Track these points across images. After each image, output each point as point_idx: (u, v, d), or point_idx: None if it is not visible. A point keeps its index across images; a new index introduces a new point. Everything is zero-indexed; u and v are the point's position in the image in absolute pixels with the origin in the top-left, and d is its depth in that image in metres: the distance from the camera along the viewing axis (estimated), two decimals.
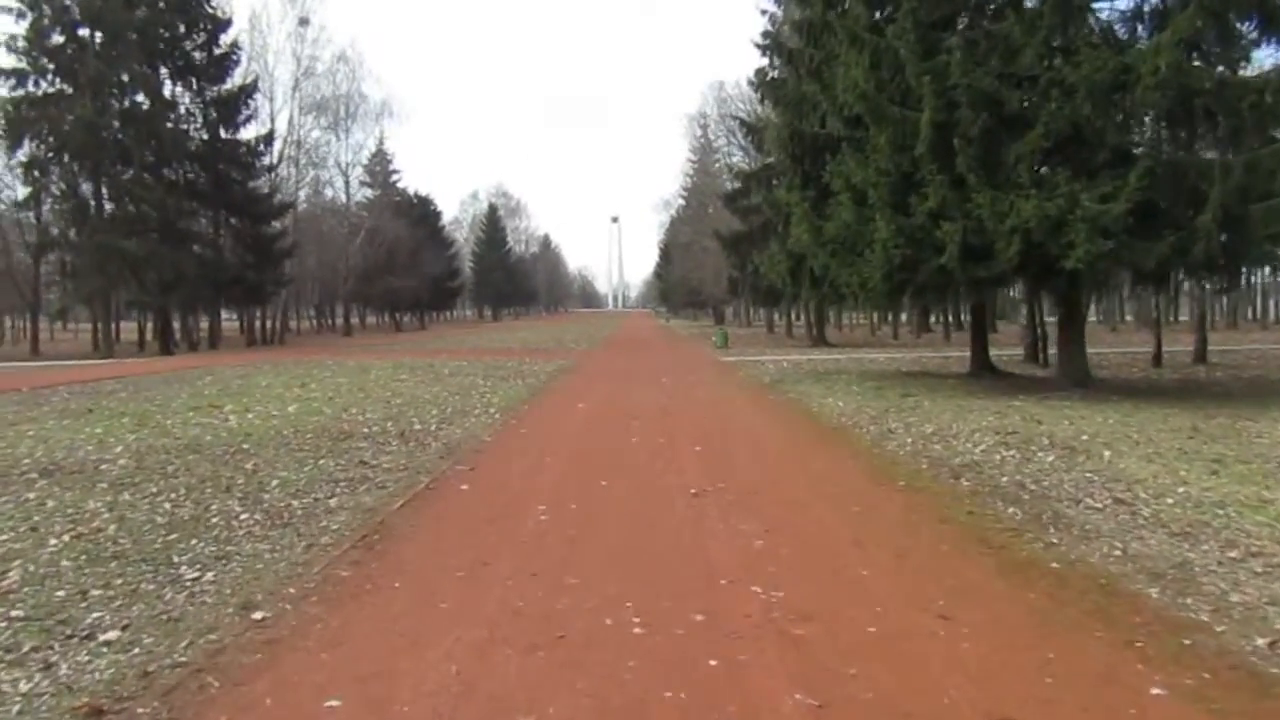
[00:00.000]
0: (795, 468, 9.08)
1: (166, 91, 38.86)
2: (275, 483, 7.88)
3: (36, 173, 36.73)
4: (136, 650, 4.07)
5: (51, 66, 36.02)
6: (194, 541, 5.94)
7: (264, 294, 44.22)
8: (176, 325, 41.19)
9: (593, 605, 4.69)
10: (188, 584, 5.05)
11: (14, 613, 4.55)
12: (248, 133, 42.54)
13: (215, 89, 40.50)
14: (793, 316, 48.08)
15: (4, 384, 19.50)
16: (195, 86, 40.05)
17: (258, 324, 47.75)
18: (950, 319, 44.05)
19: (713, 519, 6.65)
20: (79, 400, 15.32)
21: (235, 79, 41.16)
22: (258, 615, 4.53)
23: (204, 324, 45.41)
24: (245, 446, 9.88)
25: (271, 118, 45.91)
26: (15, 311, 52.80)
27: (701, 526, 6.45)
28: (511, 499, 7.42)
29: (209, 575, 5.22)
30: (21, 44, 35.68)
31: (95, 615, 4.52)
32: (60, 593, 4.88)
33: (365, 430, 11.12)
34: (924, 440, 10.14)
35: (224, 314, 48.92)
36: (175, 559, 5.54)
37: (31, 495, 7.36)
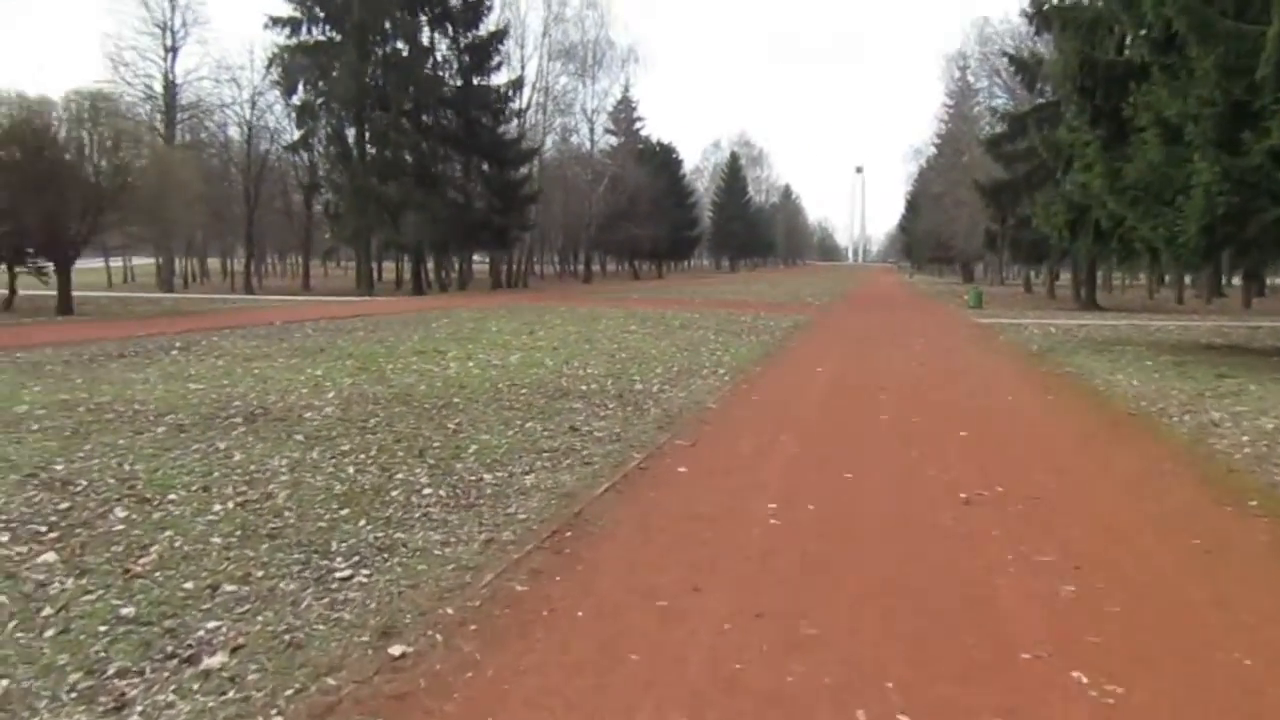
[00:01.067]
0: (1094, 469, 7.15)
1: (424, 38, 40.06)
2: (473, 448, 6.98)
3: (308, 117, 39.01)
4: (230, 693, 3.10)
5: (322, 14, 37.88)
6: (362, 523, 5.05)
7: (509, 238, 45.28)
8: (431, 267, 42.99)
9: (837, 681, 3.29)
10: (333, 587, 4.11)
11: (125, 610, 3.75)
12: (498, 79, 43.34)
13: (469, 35, 41.40)
14: (1054, 275, 43.51)
15: (261, 317, 20.45)
16: (450, 33, 41.08)
17: (503, 268, 49.10)
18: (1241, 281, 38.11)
19: (995, 542, 5.03)
20: (318, 338, 15.50)
21: (488, 25, 41.88)
22: (396, 650, 3.47)
23: (457, 266, 47.18)
24: (455, 400, 9.15)
25: (521, 64, 46.60)
26: (292, 249, 57.22)
27: (982, 553, 4.84)
28: (736, 490, 6.10)
29: (361, 575, 4.26)
30: None
31: (212, 626, 3.63)
32: (189, 584, 4.06)
33: (583, 388, 10.16)
34: (1267, 441, 7.84)
35: (476, 257, 50.75)
36: (334, 546, 4.65)
37: (223, 445, 6.84)
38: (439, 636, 3.61)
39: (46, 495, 5.38)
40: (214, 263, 59.13)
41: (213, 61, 67.49)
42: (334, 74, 37.38)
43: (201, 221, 39.63)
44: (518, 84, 44.65)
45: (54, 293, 23.75)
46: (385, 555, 4.55)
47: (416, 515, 5.26)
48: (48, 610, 3.74)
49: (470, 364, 12.09)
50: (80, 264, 48.69)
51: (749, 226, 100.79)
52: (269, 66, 39.11)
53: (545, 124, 50.90)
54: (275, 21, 37.62)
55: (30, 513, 5.03)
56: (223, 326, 17.77)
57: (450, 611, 3.86)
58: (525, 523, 5.16)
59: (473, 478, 6.13)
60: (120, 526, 4.86)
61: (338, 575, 4.24)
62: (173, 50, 40.21)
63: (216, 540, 4.67)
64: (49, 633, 3.53)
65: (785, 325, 20.93)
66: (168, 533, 4.76)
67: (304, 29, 37.83)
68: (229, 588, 4.04)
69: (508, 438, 7.43)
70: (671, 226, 68.30)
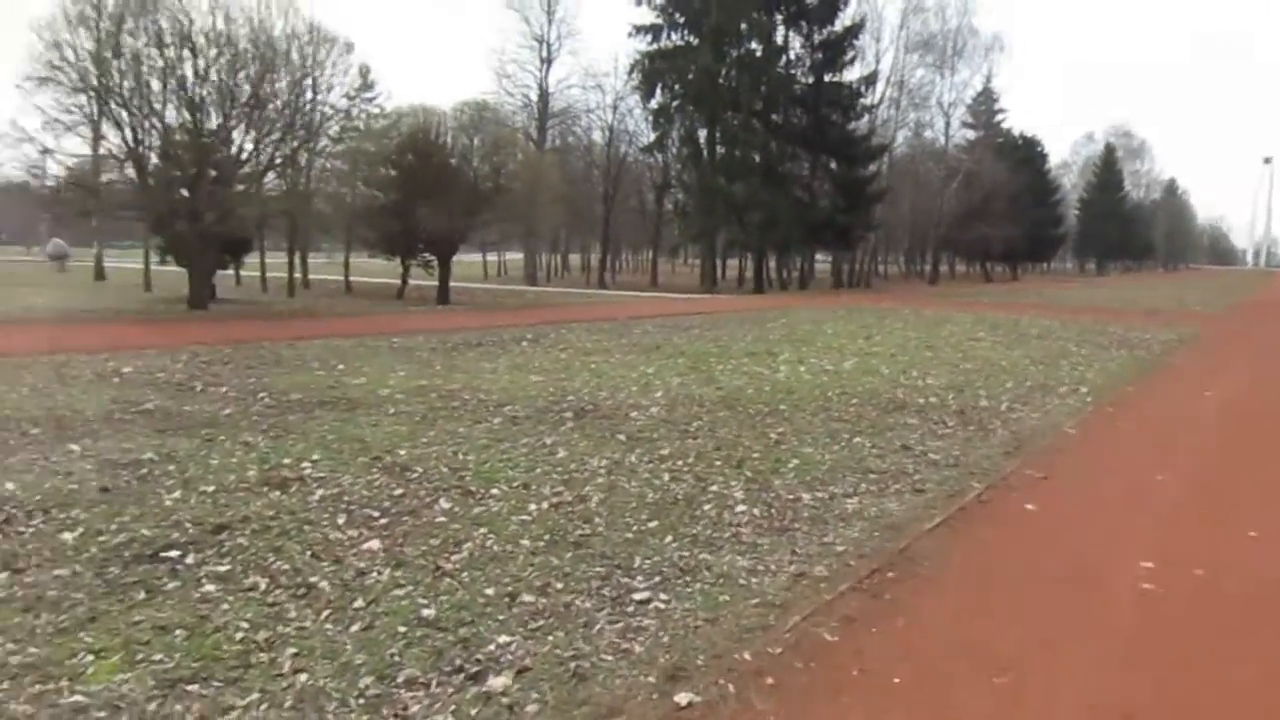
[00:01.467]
0: None
1: (778, 38, 40.09)
2: (794, 463, 6.53)
3: (663, 120, 40.55)
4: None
5: (681, 19, 39.12)
6: (668, 539, 4.79)
7: (853, 238, 44.21)
8: (772, 265, 43.10)
9: None
10: (629, 610, 3.85)
11: (426, 611, 3.74)
12: (850, 74, 42.34)
13: (823, 31, 40.81)
14: None
15: (607, 312, 21.38)
16: (805, 30, 40.75)
17: (845, 268, 48.09)
18: None
19: None
20: (655, 335, 15.81)
21: (843, 20, 41.05)
22: (682, 698, 3.12)
23: (799, 265, 46.93)
24: (781, 407, 8.74)
25: (876, 58, 45.26)
26: (643, 246, 60.02)
27: None
28: (1099, 539, 5.13)
29: (659, 600, 3.97)
30: (658, 1, 39.30)
31: (504, 640, 3.50)
32: (490, 590, 4.00)
33: (920, 401, 9.33)
34: None
35: (819, 256, 50.19)
36: (636, 561, 4.42)
37: (550, 441, 6.95)
38: (731, 687, 3.21)
39: (385, 480, 5.68)
40: (574, 258, 63.58)
41: (581, 70, 72.63)
42: (690, 77, 38.50)
43: (564, 220, 42.60)
44: (871, 79, 43.38)
45: (437, 284, 26.50)
46: (687, 579, 4.23)
47: (726, 535, 4.90)
48: (359, 602, 3.81)
49: (801, 368, 11.63)
50: (460, 257, 54.39)
51: (1123, 225, 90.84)
52: (630, 72, 41.11)
53: (897, 119, 49.12)
54: (638, 29, 39.42)
55: (368, 497, 5.31)
56: (571, 320, 18.74)
57: (747, 657, 3.45)
58: (842, 556, 4.63)
59: (790, 496, 5.68)
60: (442, 519, 4.97)
61: (635, 597, 3.99)
62: (547, 61, 43.58)
63: (525, 543, 4.61)
64: (354, 627, 3.57)
65: (1165, 338, 18.29)
66: (482, 530, 4.79)
67: (664, 35, 39.31)
68: (527, 598, 3.92)
69: (832, 453, 6.89)
70: (1030, 225, 63.08)
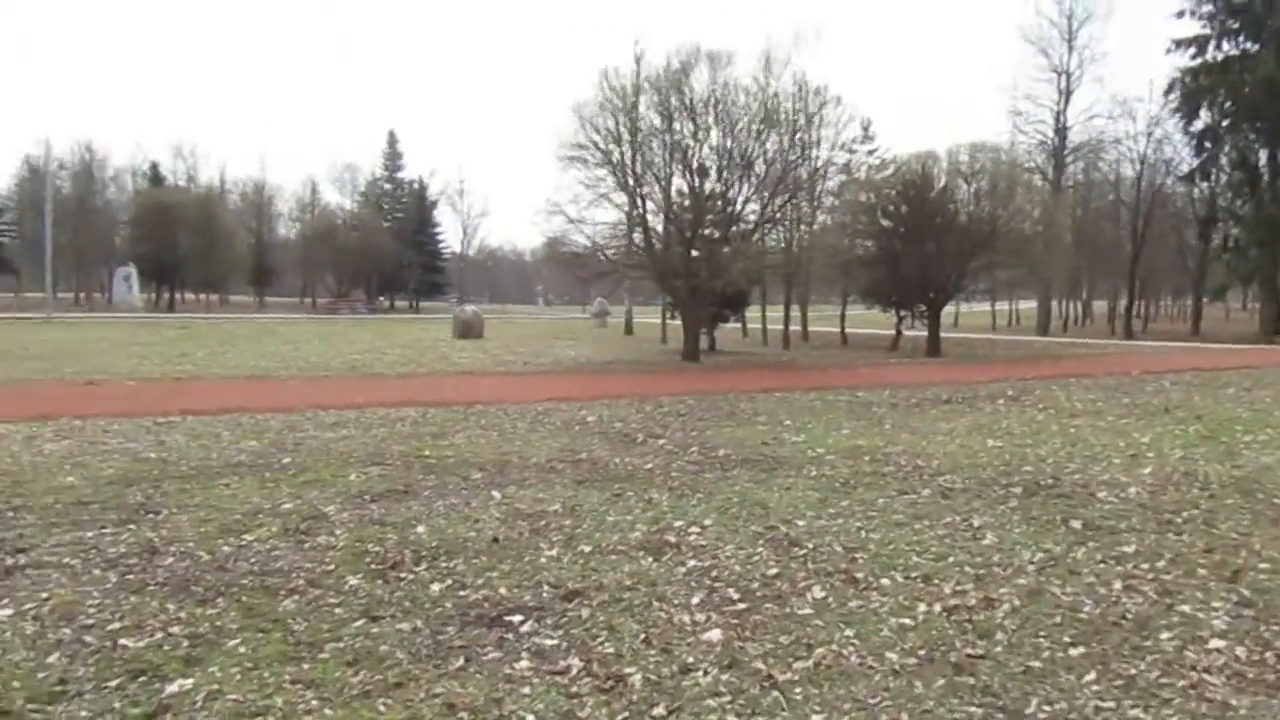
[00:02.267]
0: None
1: None
2: None
3: (1208, 142, 35.03)
4: None
5: (1235, 26, 33.68)
6: (1088, 678, 3.54)
7: None
8: None
9: None
10: None
11: None
12: None
13: None
14: None
15: (1119, 365, 18.59)
16: None
17: None
18: None
19: None
20: (1171, 394, 13.24)
21: None
22: None
23: None
24: None
25: None
26: (1183, 290, 52.25)
27: None
28: None
29: None
30: (1205, 8, 34.23)
31: None
32: (816, 719, 3.21)
33: None
34: None
35: None
36: (1031, 706, 3.30)
37: (978, 522, 5.82)
38: None
39: (767, 555, 5.10)
40: (1099, 304, 57.44)
41: (1107, 98, 65.92)
42: (1245, 90, 32.85)
43: (1081, 262, 38.62)
44: None
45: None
46: None
47: (1181, 684, 3.52)
48: (660, 709, 3.26)
49: None
50: (967, 307, 51.92)
51: None
52: (1167, 93, 36.32)
53: None
54: (1178, 44, 34.79)
55: (738, 574, 4.77)
56: (1069, 375, 16.55)
57: None
58: None
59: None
60: (807, 610, 4.25)
61: None
62: (1066, 93, 40.15)
63: (891, 657, 3.72)
64: None
65: None
66: (846, 632, 3.99)
67: (1210, 47, 34.14)
68: None
69: None
70: None
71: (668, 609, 4.26)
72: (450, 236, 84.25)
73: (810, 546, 5.25)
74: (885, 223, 25.55)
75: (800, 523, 5.77)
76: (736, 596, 4.44)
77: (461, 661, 3.66)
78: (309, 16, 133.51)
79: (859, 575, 4.74)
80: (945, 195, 24.76)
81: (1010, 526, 5.72)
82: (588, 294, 62.71)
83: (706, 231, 20.58)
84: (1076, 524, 5.80)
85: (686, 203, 20.29)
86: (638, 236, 20.78)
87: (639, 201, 20.34)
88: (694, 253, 20.88)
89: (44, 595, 4.25)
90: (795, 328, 32.00)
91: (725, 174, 20.25)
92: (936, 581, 4.66)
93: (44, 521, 5.51)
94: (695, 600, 4.38)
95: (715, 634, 3.98)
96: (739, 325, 33.86)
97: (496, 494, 6.44)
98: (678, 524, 5.72)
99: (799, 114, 21.87)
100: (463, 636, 3.90)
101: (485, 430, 9.38)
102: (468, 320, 36.57)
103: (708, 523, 5.75)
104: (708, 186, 20.39)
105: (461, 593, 4.43)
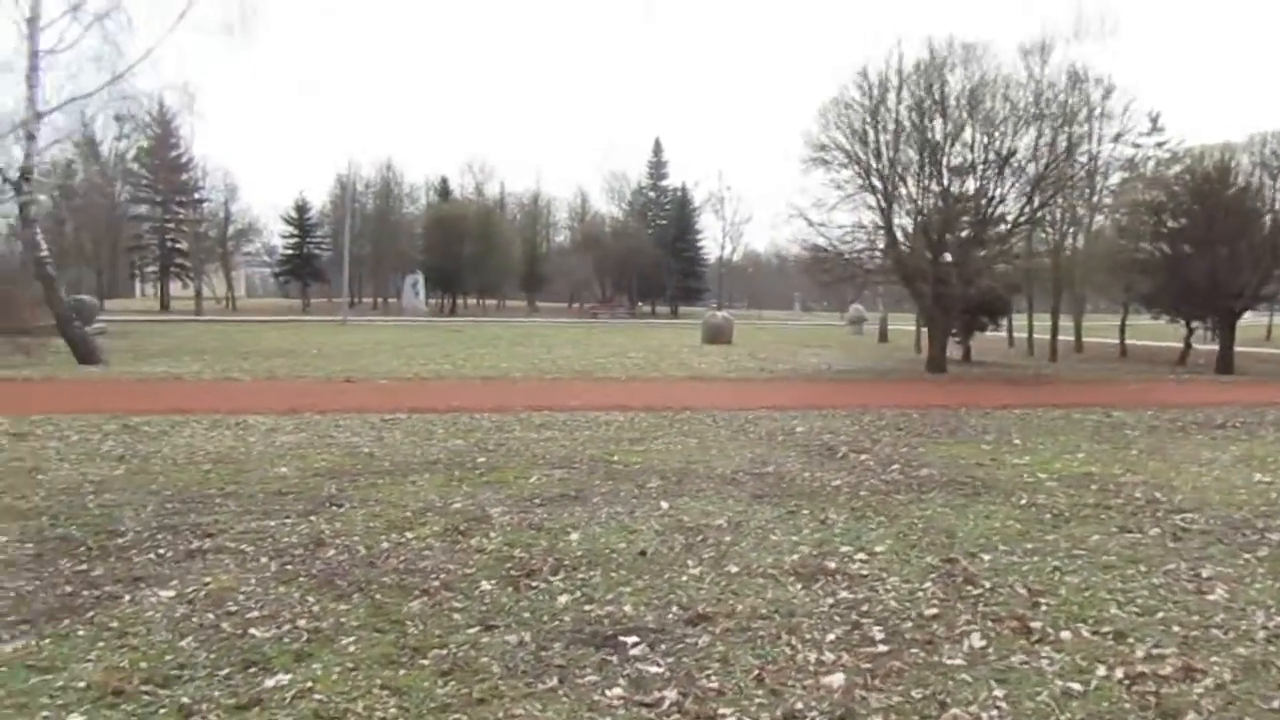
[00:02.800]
0: None
1: None
2: None
3: None
4: None
5: None
6: None
7: None
8: None
9: None
10: None
11: None
12: None
13: None
14: None
15: None
16: None
17: None
18: None
19: None
20: None
21: None
22: None
23: None
24: None
25: None
26: None
27: None
28: None
29: None
30: None
31: None
32: None
33: None
34: None
35: None
36: None
37: (1209, 573, 4.91)
38: None
39: (933, 593, 4.54)
40: None
41: None
42: None
43: None
44: None
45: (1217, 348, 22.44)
46: None
47: None
48: None
49: None
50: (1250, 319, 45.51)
51: None
52: None
53: None
54: None
55: (890, 611, 4.27)
56: None
57: None
58: None
59: None
60: (957, 661, 3.71)
61: None
62: None
63: None
64: None
65: None
66: (994, 691, 3.43)
67: None
68: None
69: None
70: None
71: (796, 644, 3.87)
72: (712, 243, 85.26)
73: (988, 586, 4.63)
74: (1171, 223, 22.84)
75: (986, 557, 5.13)
76: (880, 636, 3.97)
77: (554, 682, 3.48)
78: (583, 32, 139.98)
79: (1035, 624, 4.10)
80: (1247, 192, 21.76)
81: (1250, 581, 4.78)
82: (846, 300, 61.29)
83: (961, 234, 19.31)
84: None
85: (937, 203, 19.12)
86: (883, 239, 19.83)
87: (885, 203, 19.40)
88: (946, 256, 19.67)
89: (207, 580, 4.54)
90: (1068, 338, 29.38)
91: (982, 172, 18.88)
92: (1130, 641, 3.94)
93: (242, 509, 5.95)
94: (830, 637, 3.96)
95: (838, 678, 3.55)
96: (1005, 335, 31.62)
97: (665, 504, 6.24)
98: (845, 548, 5.25)
99: (1070, 107, 19.99)
100: (566, 655, 3.73)
101: (685, 437, 9.21)
102: (717, 325, 36.76)
103: (879, 549, 5.25)
104: (960, 186, 19.12)
105: (587, 607, 4.27)
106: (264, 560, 4.88)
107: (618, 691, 3.41)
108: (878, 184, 19.61)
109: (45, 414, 9.83)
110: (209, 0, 57.89)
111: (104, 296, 63.59)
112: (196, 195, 65.47)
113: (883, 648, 3.85)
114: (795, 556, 5.08)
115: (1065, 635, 3.99)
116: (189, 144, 63.93)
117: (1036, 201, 19.33)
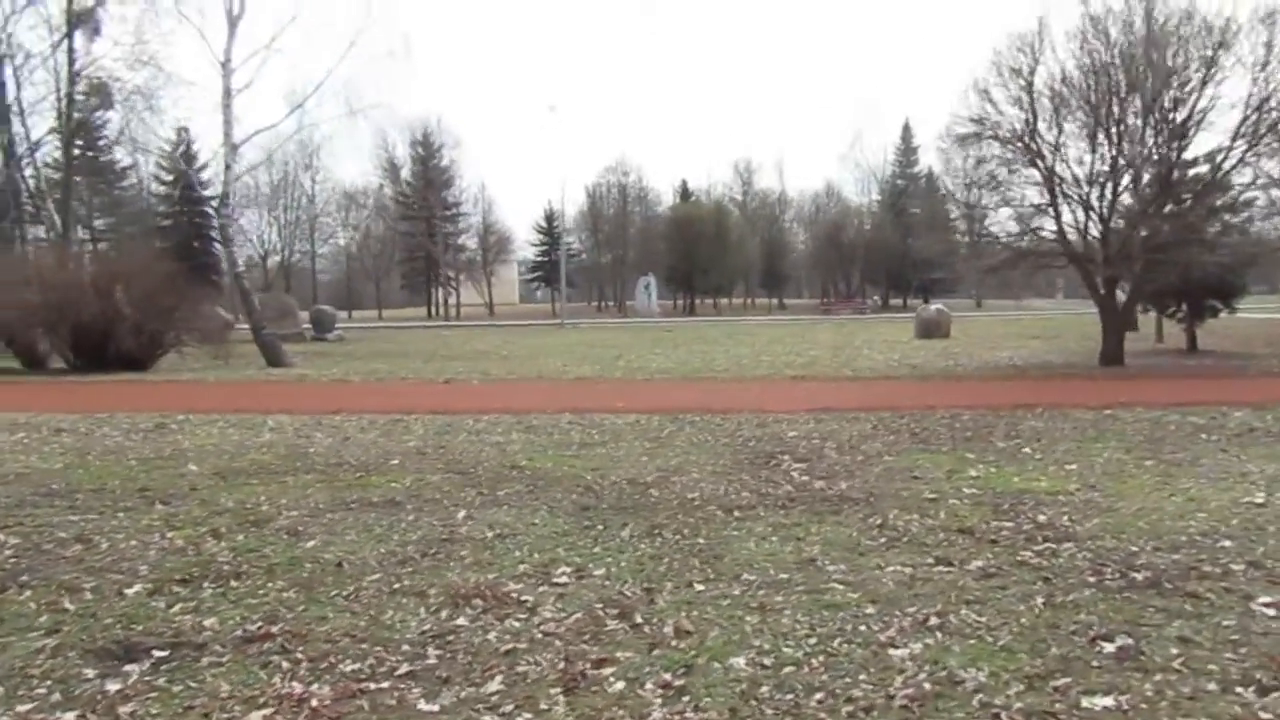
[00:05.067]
0: None
1: None
2: None
3: None
4: None
5: None
6: None
7: None
8: None
9: None
10: None
11: None
12: None
13: None
14: None
15: None
16: None
17: None
18: None
19: None
20: None
21: None
22: None
23: None
24: None
25: None
26: None
27: None
28: None
29: None
30: None
31: None
32: None
33: None
34: None
35: None
36: None
37: None
38: None
39: (585, 621, 3.91)
40: None
41: None
42: None
43: None
44: None
45: None
46: None
47: None
48: None
49: None
50: None
51: None
52: None
53: None
54: None
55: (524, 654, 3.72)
56: None
57: None
58: None
59: None
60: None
61: None
62: None
63: None
64: None
65: None
66: None
67: None
68: None
69: None
70: None
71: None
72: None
73: (639, 620, 3.92)
74: None
75: (700, 587, 4.36)
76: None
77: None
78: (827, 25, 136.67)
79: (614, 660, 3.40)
80: None
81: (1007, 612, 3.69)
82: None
83: (1128, 205, 16.77)
84: None
85: (1100, 171, 16.66)
86: (1050, 220, 17.56)
87: (1050, 177, 17.19)
88: (1107, 233, 17.12)
89: None
90: None
91: (1156, 130, 16.25)
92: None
93: (110, 505, 6.25)
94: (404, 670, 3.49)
95: None
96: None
97: (462, 513, 5.85)
98: (565, 568, 4.67)
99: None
100: (65, 668, 3.54)
101: (647, 441, 8.64)
102: (929, 319, 34.89)
103: (599, 571, 4.62)
104: (1127, 150, 16.53)
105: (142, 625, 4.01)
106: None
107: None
108: (1045, 155, 17.43)
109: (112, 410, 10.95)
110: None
111: (381, 306, 70.48)
112: (458, 209, 70.93)
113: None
114: (491, 576, 4.57)
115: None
116: (451, 162, 69.52)
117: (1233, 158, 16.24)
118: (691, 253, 65.45)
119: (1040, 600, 4.07)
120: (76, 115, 27.88)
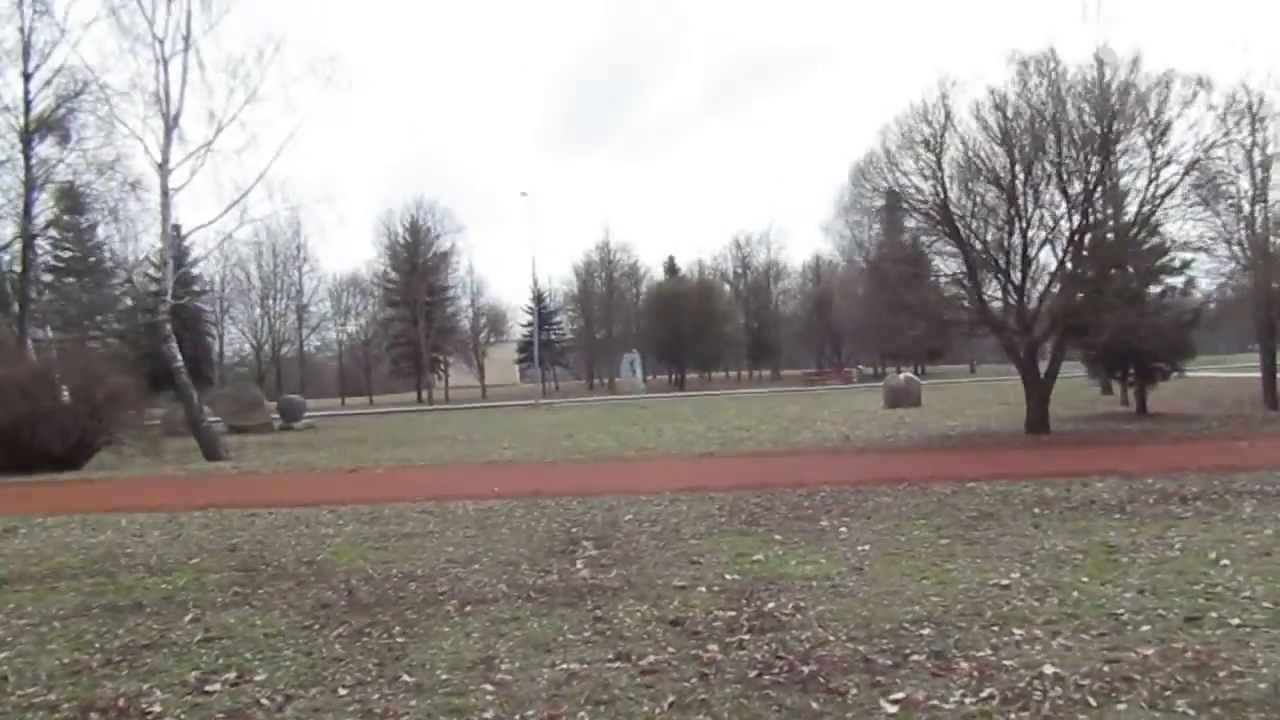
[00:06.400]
0: None
1: None
2: None
3: None
4: None
5: None
6: None
7: None
8: None
9: None
10: None
11: None
12: None
13: None
14: None
15: None
16: None
17: None
18: None
19: None
20: None
21: None
22: None
23: None
24: None
25: None
26: None
27: None
28: None
29: None
30: None
31: None
32: None
33: None
34: None
35: None
36: None
37: None
38: None
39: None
40: None
41: None
42: None
43: None
44: None
45: None
46: None
47: None
48: None
49: None
50: None
51: None
52: None
53: None
54: None
55: None
56: None
57: None
58: None
59: None
60: None
61: None
62: None
63: None
64: None
65: None
66: None
67: None
68: None
69: None
70: None
71: None
72: None
73: None
74: None
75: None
76: None
77: None
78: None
79: None
80: None
81: None
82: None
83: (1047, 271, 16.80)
84: None
85: (1013, 242, 16.68)
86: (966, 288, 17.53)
87: (965, 247, 17.20)
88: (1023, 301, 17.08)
89: None
90: None
91: (1066, 198, 16.34)
92: None
93: None
94: None
95: None
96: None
97: (189, 617, 5.71)
98: (225, 677, 4.51)
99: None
100: None
101: (470, 530, 8.49)
102: (897, 388, 34.77)
103: (259, 678, 4.46)
104: (1037, 219, 16.59)
105: None
106: None
107: None
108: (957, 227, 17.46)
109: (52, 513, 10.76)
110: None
111: (371, 393, 70.62)
112: (445, 294, 71.58)
113: None
114: (146, 686, 4.42)
115: None
116: (440, 251, 70.39)
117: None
118: (677, 328, 65.73)
119: (669, 700, 3.90)
120: (42, 217, 28.36)
